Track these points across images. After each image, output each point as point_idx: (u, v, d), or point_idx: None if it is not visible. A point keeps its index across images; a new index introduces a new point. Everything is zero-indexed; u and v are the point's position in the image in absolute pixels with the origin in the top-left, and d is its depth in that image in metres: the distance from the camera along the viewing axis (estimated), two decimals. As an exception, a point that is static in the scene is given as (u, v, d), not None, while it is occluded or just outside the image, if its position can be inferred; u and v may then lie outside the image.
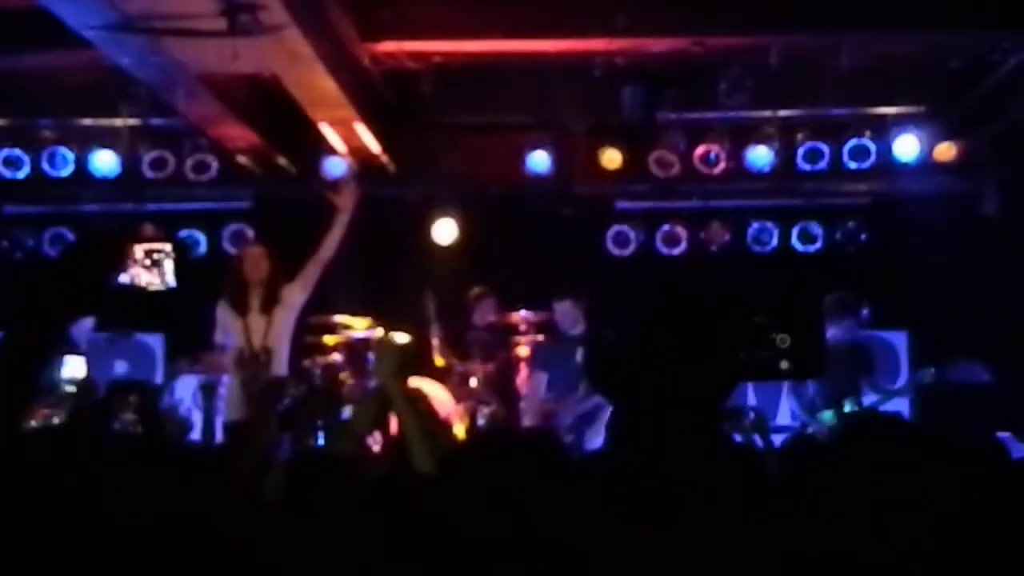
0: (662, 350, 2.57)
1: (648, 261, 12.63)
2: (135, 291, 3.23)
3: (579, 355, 10.38)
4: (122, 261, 3.02)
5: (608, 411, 2.71)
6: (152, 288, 3.25)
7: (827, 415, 9.66)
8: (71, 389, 9.09)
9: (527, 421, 10.68)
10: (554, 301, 10.84)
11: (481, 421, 10.72)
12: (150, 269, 3.24)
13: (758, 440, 6.06)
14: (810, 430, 9.66)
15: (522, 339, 11.47)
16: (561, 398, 10.35)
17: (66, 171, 12.42)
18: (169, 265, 3.26)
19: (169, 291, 3.28)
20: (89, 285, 2.91)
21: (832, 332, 9.96)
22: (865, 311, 10.03)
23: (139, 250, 3.23)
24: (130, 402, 7.17)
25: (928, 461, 2.91)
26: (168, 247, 3.26)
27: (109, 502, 2.68)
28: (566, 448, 4.63)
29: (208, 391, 9.03)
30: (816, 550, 2.67)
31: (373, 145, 12.00)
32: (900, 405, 10.25)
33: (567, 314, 10.67)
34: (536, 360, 11.11)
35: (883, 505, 2.83)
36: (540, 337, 11.34)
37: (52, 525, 2.59)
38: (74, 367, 9.31)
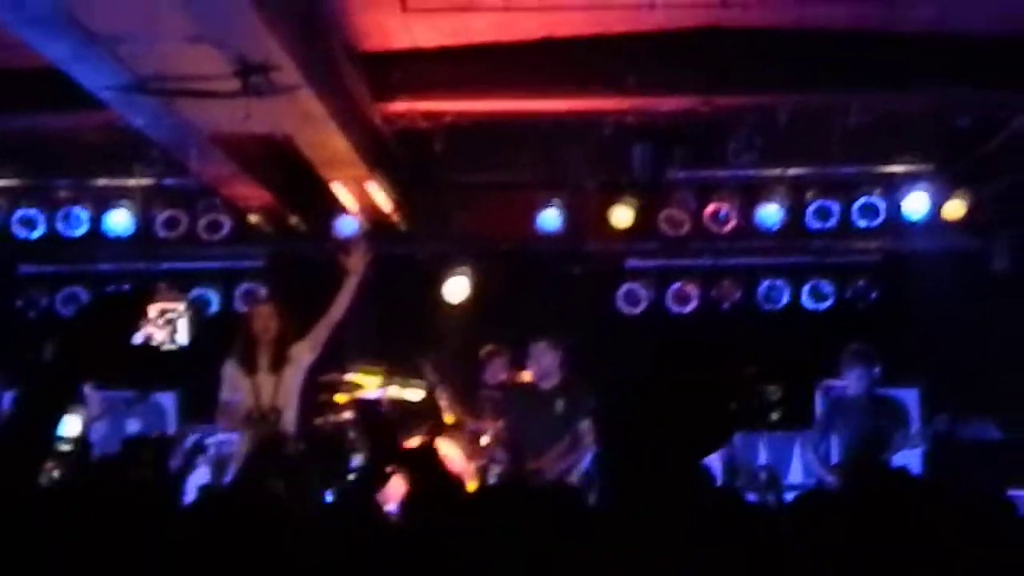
0: (656, 404, 2.60)
1: (658, 319, 12.65)
2: (149, 350, 3.29)
3: (558, 407, 10.27)
4: (137, 320, 3.07)
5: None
6: (166, 347, 3.31)
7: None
8: (66, 447, 9.13)
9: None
10: (530, 342, 10.59)
11: (492, 479, 10.70)
12: (164, 328, 3.30)
13: (770, 499, 6.05)
14: (826, 485, 9.61)
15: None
16: (541, 452, 10.24)
17: (81, 230, 12.50)
18: (183, 324, 3.33)
19: (182, 350, 3.35)
20: (105, 344, 2.95)
21: (851, 383, 9.97)
22: (878, 369, 10.02)
23: (153, 309, 3.29)
24: (144, 458, 7.19)
25: (940, 519, 2.92)
26: (182, 306, 3.33)
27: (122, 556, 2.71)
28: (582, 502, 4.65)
29: (197, 451, 9.05)
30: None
31: (385, 204, 12.07)
32: (911, 457, 10.21)
33: (542, 356, 10.47)
34: (507, 409, 10.79)
35: (894, 563, 2.85)
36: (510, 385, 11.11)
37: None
38: (71, 424, 9.36)
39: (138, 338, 3.11)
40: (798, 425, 10.53)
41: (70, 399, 2.98)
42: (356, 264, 10.03)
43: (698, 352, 2.76)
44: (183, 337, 2.92)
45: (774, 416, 2.90)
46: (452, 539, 3.03)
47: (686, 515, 2.57)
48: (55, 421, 2.94)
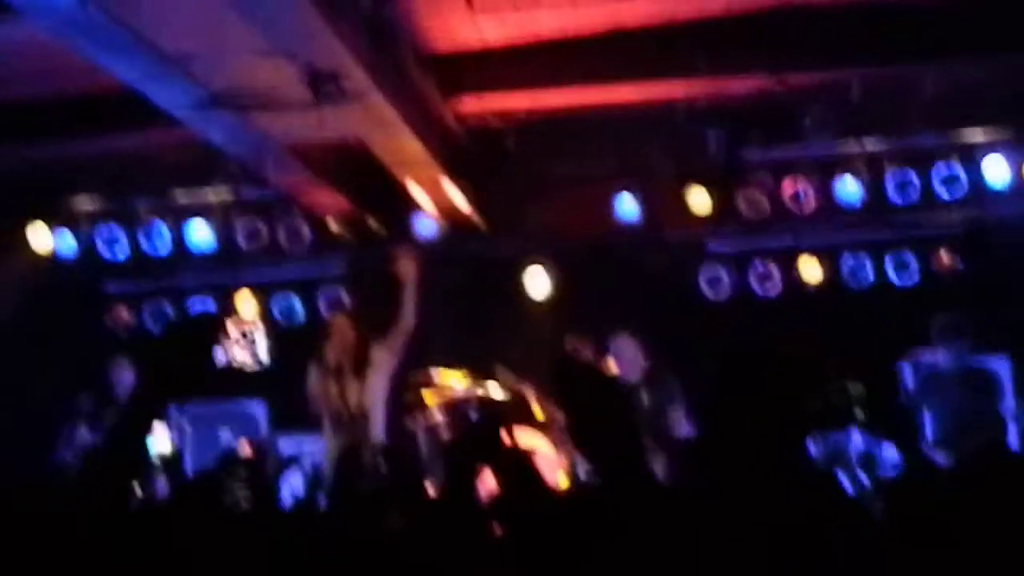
0: (736, 402, 2.59)
1: (743, 304, 12.56)
2: (233, 370, 3.35)
3: (644, 400, 10.15)
4: (218, 340, 3.14)
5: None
6: (248, 367, 3.36)
7: None
8: (157, 463, 9.25)
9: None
10: (609, 338, 10.51)
11: (582, 471, 10.68)
12: (245, 348, 3.34)
13: (864, 478, 5.99)
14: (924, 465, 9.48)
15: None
16: None
17: (164, 247, 12.65)
18: (262, 343, 3.36)
19: (263, 367, 3.39)
20: (186, 367, 3.00)
21: (944, 356, 9.83)
22: (970, 340, 9.87)
23: (233, 330, 3.34)
24: (241, 475, 7.25)
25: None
26: (260, 324, 3.37)
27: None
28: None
29: (289, 462, 9.12)
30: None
31: (462, 203, 12.10)
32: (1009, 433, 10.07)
33: (624, 349, 10.39)
34: None
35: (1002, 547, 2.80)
36: None
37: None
38: (160, 441, 9.48)
39: (221, 359, 3.16)
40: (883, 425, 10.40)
41: (156, 419, 3.05)
42: (407, 271, 10.05)
43: (784, 336, 2.74)
44: (263, 356, 2.95)
45: (859, 415, 2.86)
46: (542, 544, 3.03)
47: (785, 499, 2.55)
48: (143, 442, 3.00)
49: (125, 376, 10.61)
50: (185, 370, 2.98)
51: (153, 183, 12.42)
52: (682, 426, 9.97)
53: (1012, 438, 10.11)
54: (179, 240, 12.64)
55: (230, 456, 8.01)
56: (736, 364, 2.60)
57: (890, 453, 10.05)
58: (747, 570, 2.54)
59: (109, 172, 12.14)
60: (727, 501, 2.68)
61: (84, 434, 9.88)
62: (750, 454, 2.56)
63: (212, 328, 3.16)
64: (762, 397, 2.53)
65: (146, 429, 2.99)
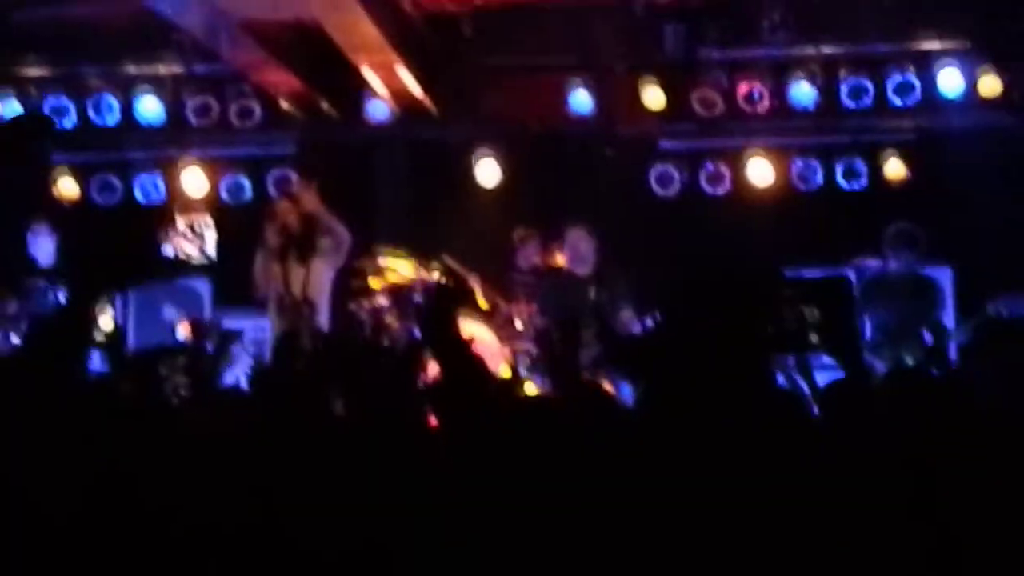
0: (693, 327, 2.60)
1: (692, 201, 12.59)
2: (179, 263, 3.37)
3: (592, 293, 10.20)
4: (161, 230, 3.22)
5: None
6: (195, 260, 3.37)
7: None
8: (98, 339, 9.22)
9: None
10: (566, 228, 10.64)
11: (525, 362, 10.74)
12: (193, 241, 3.34)
13: (801, 383, 6.03)
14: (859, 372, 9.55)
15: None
16: None
17: (112, 119, 12.52)
18: (210, 236, 3.36)
19: (211, 262, 3.41)
20: (132, 261, 3.04)
21: (892, 264, 9.91)
22: (922, 249, 9.95)
23: (181, 223, 3.34)
24: (179, 365, 7.23)
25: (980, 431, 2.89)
26: (208, 218, 3.37)
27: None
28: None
29: (231, 337, 9.11)
30: (847, 494, 2.71)
31: (415, 88, 12.02)
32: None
33: (579, 243, 10.46)
34: (539, 293, 10.79)
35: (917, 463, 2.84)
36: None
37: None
38: (102, 318, 9.41)
39: (168, 251, 3.17)
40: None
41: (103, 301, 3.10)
42: (310, 202, 10.02)
43: (732, 237, 2.75)
44: (210, 250, 2.94)
45: (813, 339, 2.91)
46: (484, 442, 3.05)
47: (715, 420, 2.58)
48: (91, 324, 3.03)
49: (43, 242, 10.53)
50: (129, 264, 3.01)
51: (102, 53, 12.25)
52: (630, 323, 10.03)
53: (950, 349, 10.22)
54: (127, 112, 12.51)
55: (168, 347, 7.98)
56: (697, 282, 2.60)
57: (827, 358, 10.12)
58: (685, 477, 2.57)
59: (57, 40, 11.95)
60: (676, 417, 2.70)
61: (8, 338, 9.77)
62: (705, 371, 2.57)
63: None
64: (720, 317, 2.54)
65: (87, 318, 3.03)
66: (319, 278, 9.87)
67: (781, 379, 6.04)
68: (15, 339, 9.54)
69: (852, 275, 11.48)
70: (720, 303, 2.56)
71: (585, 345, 10.17)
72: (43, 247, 10.56)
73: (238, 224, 11.02)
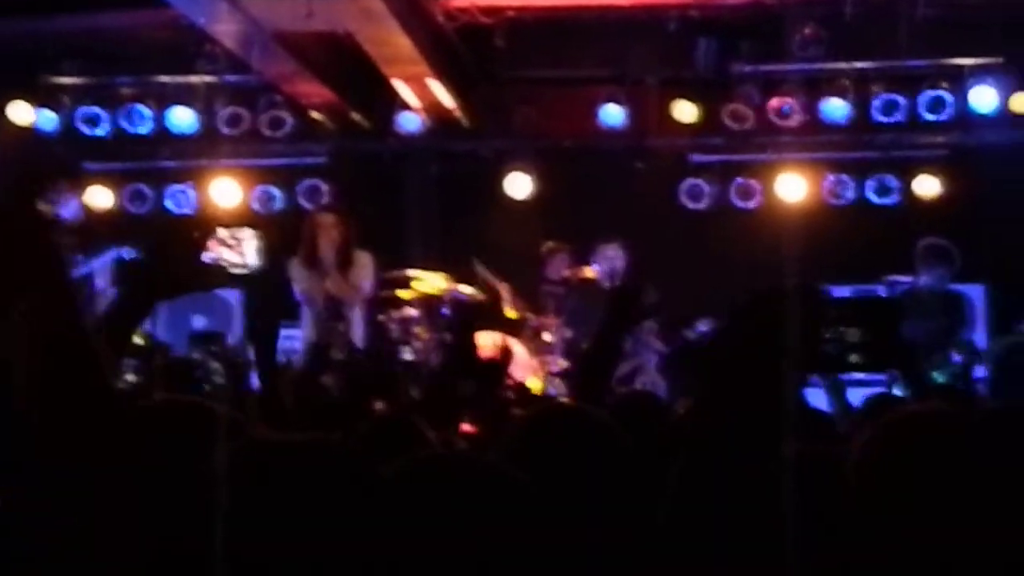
0: (733, 346, 2.58)
1: (722, 215, 12.57)
2: (220, 271, 3.35)
3: None
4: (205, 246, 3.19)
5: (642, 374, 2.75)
6: (236, 270, 3.35)
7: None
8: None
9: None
10: (599, 244, 10.77)
11: (555, 372, 10.72)
12: (234, 250, 3.33)
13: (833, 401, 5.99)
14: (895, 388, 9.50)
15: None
16: None
17: (144, 128, 12.58)
18: (251, 245, 3.35)
19: (253, 272, 3.39)
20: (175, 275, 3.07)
21: (924, 280, 9.85)
22: (957, 266, 9.87)
23: (223, 231, 3.33)
24: (213, 352, 7.24)
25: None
26: (250, 230, 3.36)
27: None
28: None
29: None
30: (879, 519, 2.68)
31: (447, 100, 12.04)
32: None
33: (613, 259, 10.54)
34: (568, 305, 10.84)
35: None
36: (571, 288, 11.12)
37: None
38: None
39: (208, 259, 3.17)
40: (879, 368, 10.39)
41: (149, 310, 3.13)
42: (330, 232, 10.09)
43: (763, 252, 2.75)
44: (253, 259, 2.95)
45: (853, 359, 2.88)
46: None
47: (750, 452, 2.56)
48: (134, 327, 3.07)
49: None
50: (172, 281, 3.04)
51: (136, 63, 12.32)
52: (654, 342, 10.04)
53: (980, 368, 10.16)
54: (160, 121, 12.57)
55: (199, 336, 7.98)
56: (743, 301, 2.59)
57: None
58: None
59: (93, 50, 12.02)
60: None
61: None
62: (743, 397, 2.56)
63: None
64: (763, 336, 2.52)
65: (136, 318, 3.06)
66: (357, 291, 9.99)
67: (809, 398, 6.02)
68: None
69: (883, 292, 11.45)
70: (766, 319, 2.54)
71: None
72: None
73: (268, 234, 11.04)
